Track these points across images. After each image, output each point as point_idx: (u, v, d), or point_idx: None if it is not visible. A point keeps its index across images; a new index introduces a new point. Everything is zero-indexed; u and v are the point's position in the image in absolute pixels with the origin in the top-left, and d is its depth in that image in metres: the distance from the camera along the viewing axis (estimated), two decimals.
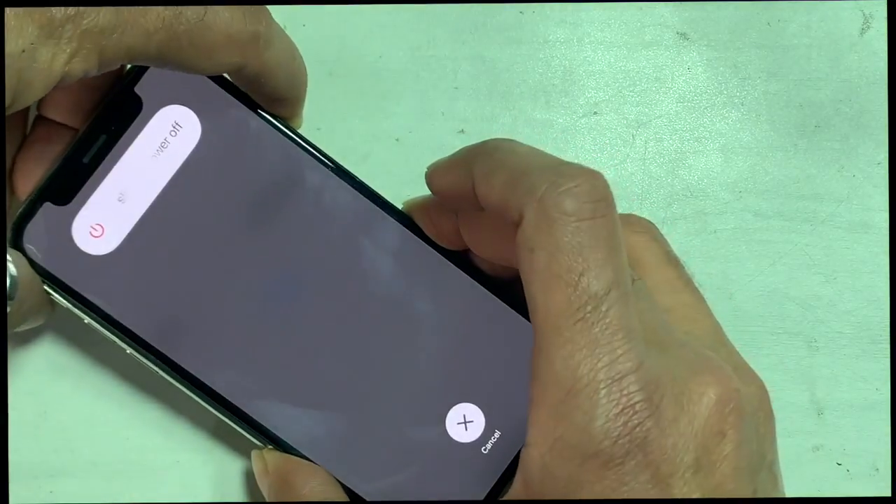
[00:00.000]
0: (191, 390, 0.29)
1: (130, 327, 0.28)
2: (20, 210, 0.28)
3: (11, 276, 0.26)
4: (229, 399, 0.29)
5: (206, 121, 0.29)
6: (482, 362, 0.30)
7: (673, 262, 0.26)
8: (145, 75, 0.28)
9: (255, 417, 0.29)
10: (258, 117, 0.29)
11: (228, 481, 0.32)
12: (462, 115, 0.33)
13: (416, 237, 0.30)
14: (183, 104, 0.29)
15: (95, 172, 0.28)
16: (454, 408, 0.30)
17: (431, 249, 0.30)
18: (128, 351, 0.29)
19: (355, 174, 0.30)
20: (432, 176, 0.27)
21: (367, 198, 0.30)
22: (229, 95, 0.29)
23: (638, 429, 0.21)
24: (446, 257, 0.30)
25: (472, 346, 0.30)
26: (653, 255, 0.26)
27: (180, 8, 0.23)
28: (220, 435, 0.32)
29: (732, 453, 0.22)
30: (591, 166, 0.32)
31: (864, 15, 0.34)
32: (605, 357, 0.21)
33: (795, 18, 0.34)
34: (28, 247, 0.28)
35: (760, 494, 0.23)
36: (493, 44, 0.34)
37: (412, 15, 0.34)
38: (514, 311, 0.30)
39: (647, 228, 0.27)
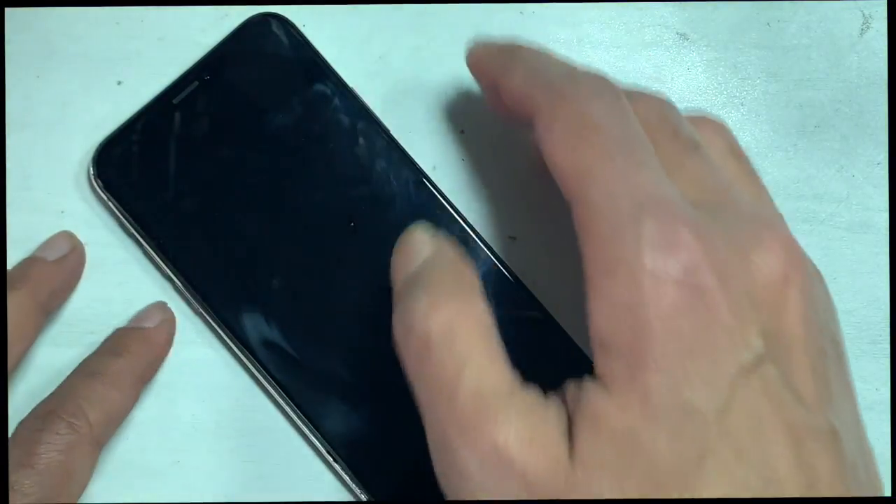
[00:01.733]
0: (221, 329, 0.31)
1: (181, 261, 0.31)
2: (107, 136, 0.31)
3: None
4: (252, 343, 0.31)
5: (276, 85, 0.32)
6: None
7: (682, 138, 0.25)
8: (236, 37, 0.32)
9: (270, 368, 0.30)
10: (342, 96, 0.32)
11: (228, 481, 0.32)
12: (462, 116, 0.33)
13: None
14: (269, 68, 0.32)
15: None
16: None
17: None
18: (177, 283, 0.31)
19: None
20: (471, 53, 0.29)
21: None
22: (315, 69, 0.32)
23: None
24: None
25: None
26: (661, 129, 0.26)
27: None
28: (220, 435, 0.32)
29: (798, 298, 0.22)
30: None
31: (863, 15, 0.34)
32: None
33: (795, 19, 0.34)
34: (104, 169, 0.31)
35: (830, 366, 0.22)
36: None
37: (412, 15, 0.33)
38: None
39: (656, 105, 0.26)
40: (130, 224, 0.31)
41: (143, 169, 0.31)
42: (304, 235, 0.31)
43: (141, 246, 0.32)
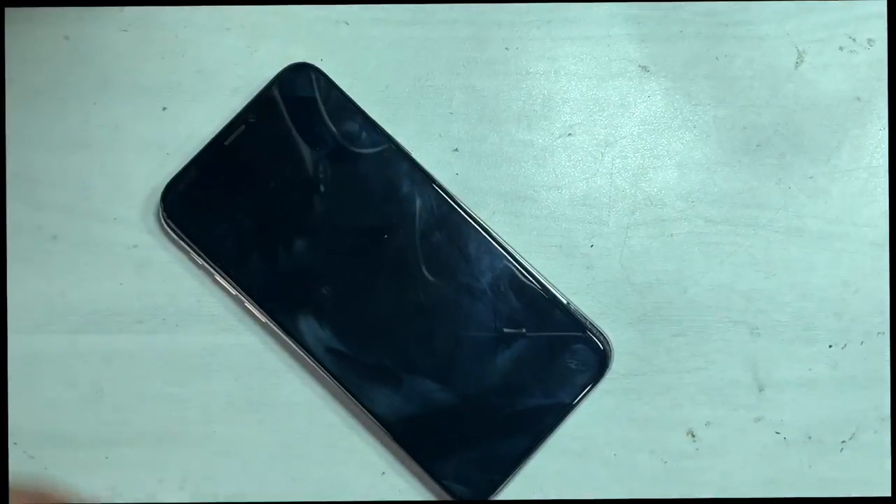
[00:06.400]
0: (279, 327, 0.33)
1: (243, 281, 0.33)
2: (170, 179, 0.33)
3: None
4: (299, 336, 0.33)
5: (311, 125, 0.33)
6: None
7: None
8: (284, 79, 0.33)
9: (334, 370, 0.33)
10: (376, 141, 0.34)
11: (257, 449, 0.33)
12: (456, 136, 0.35)
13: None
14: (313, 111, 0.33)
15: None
16: None
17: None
18: (246, 304, 0.33)
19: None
20: None
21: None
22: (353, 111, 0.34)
23: None
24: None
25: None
26: None
27: None
28: (250, 409, 0.34)
29: None
30: (566, 180, 0.35)
31: (797, 51, 0.35)
32: None
33: (740, 54, 0.35)
34: (171, 208, 0.33)
35: None
36: (483, 75, 0.35)
37: (414, 51, 0.35)
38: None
39: None
40: (197, 253, 0.33)
41: (203, 204, 0.33)
42: (346, 249, 0.33)
43: (206, 270, 0.33)
